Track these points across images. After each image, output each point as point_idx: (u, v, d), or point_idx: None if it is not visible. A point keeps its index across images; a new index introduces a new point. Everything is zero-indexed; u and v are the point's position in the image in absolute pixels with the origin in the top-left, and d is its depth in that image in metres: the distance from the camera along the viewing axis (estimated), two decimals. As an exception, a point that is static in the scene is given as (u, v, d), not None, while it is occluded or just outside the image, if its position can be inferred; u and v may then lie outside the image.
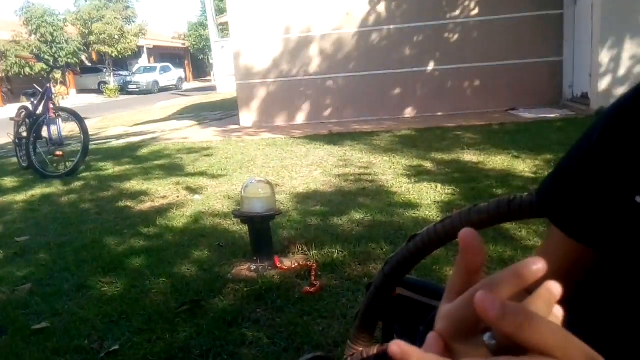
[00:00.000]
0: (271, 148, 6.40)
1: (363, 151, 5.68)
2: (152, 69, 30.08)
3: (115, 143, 8.15)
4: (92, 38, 26.52)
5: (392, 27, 8.39)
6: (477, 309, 0.27)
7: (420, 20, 8.26)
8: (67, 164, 5.63)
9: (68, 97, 23.51)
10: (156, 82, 28.85)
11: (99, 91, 27.61)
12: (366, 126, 7.63)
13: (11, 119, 6.43)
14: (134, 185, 4.87)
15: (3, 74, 24.06)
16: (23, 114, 6.12)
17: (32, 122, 5.79)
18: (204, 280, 2.58)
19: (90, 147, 5.98)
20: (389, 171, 4.62)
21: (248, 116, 9.03)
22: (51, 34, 24.40)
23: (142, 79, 28.63)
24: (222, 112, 11.80)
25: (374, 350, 0.84)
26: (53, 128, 5.66)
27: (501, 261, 2.46)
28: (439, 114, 8.28)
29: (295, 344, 1.96)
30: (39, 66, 21.46)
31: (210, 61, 30.40)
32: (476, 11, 8.16)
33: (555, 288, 0.29)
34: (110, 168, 5.85)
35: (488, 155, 4.90)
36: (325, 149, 5.99)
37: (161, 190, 4.58)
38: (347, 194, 4.00)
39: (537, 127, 6.33)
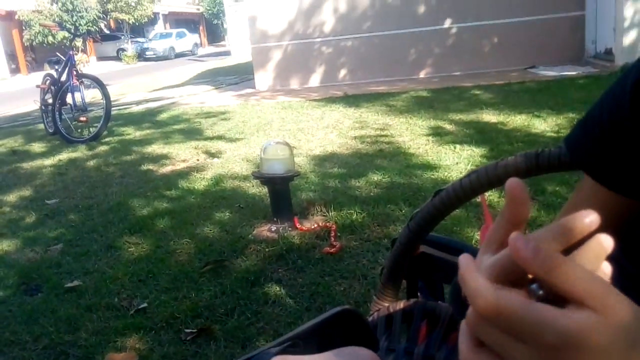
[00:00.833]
0: (287, 111, 6.40)
1: (379, 113, 5.64)
2: (168, 35, 29.98)
3: (135, 108, 8.23)
4: (110, 6, 26.50)
5: None
6: (510, 248, 0.27)
7: (437, -23, 8.01)
8: (91, 129, 5.74)
9: (89, 64, 23.64)
10: (172, 48, 28.78)
11: (117, 58, 27.68)
12: (382, 87, 7.54)
13: (37, 86, 6.56)
14: (155, 149, 4.96)
15: (27, 43, 24.26)
16: (48, 81, 6.22)
17: (57, 89, 5.87)
18: (226, 241, 2.66)
19: (112, 112, 6.06)
20: (406, 132, 4.60)
21: (263, 80, 9.01)
22: (71, 3, 24.43)
23: (159, 46, 28.59)
24: (238, 76, 11.77)
25: (400, 305, 0.88)
26: (77, 94, 5.76)
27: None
28: (456, 73, 8.13)
29: (317, 303, 2.02)
30: (61, 34, 21.55)
31: (225, 26, 30.08)
32: (494, -34, 7.86)
33: (606, 241, 0.28)
34: (132, 133, 5.95)
35: (508, 115, 4.83)
36: (340, 111, 5.98)
37: (181, 154, 4.66)
38: (364, 155, 4.01)
39: (558, 85, 6.18)
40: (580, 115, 0.53)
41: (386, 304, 0.90)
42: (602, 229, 0.28)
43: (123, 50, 27.92)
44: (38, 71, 21.61)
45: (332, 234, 2.55)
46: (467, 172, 0.55)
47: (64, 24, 21.82)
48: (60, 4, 24.38)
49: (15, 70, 23.88)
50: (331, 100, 6.85)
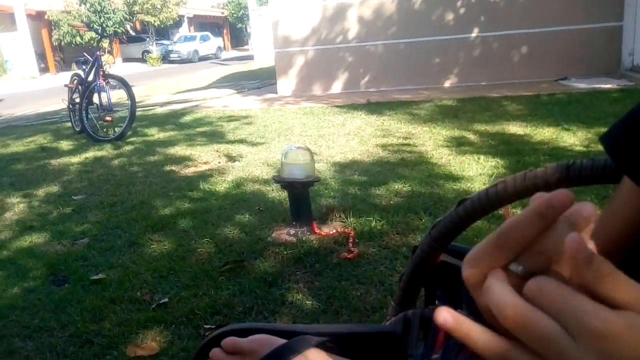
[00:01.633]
0: (308, 117, 6.45)
1: (402, 121, 5.64)
2: (192, 38, 30.39)
3: (159, 110, 8.38)
4: (136, 8, 26.97)
5: None
6: (567, 249, 0.26)
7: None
8: (116, 129, 5.87)
9: (114, 65, 24.09)
10: (196, 51, 29.16)
11: (142, 60, 28.13)
12: (405, 95, 7.52)
13: (65, 85, 6.74)
14: (178, 150, 5.06)
15: (56, 43, 24.83)
16: (76, 81, 6.39)
17: (84, 88, 6.03)
18: (245, 242, 2.72)
19: (137, 113, 6.20)
20: (429, 142, 4.59)
21: (286, 85, 9.06)
22: (99, 4, 24.90)
23: (183, 48, 29.00)
24: (260, 81, 11.89)
25: (418, 311, 0.90)
26: (103, 95, 5.91)
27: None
28: (483, 83, 8.00)
29: (333, 307, 2.05)
30: (88, 35, 22.04)
31: (248, 30, 30.41)
32: (524, -27, 7.73)
33: (586, 210, 0.28)
34: (156, 134, 6.07)
35: (535, 127, 4.73)
36: (362, 119, 6.00)
37: (203, 156, 4.74)
38: (385, 163, 4.02)
39: (591, 98, 5.98)
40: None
41: (404, 310, 0.92)
42: (628, 236, 0.29)
43: (148, 52, 28.37)
44: (66, 71, 22.08)
45: (351, 240, 2.58)
46: (494, 182, 0.56)
47: (92, 24, 22.34)
48: (88, 5, 24.88)
49: (45, 70, 24.41)
50: (353, 107, 6.88)
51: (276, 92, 9.10)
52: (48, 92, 14.52)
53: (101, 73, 5.88)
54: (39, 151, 5.66)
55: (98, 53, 6.03)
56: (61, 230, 3.11)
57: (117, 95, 6.15)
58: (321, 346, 0.56)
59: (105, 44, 16.83)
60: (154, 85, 14.35)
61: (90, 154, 5.25)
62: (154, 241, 2.83)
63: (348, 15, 8.54)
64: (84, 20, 23.52)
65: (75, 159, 5.06)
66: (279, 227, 2.88)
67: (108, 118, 5.86)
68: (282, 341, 0.58)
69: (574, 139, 4.23)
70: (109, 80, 5.95)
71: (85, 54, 6.40)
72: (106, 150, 5.34)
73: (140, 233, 2.95)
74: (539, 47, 7.84)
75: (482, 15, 8.02)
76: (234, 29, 41.22)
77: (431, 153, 4.20)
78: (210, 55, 30.15)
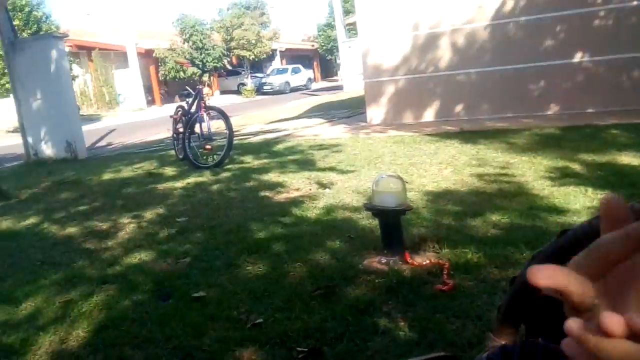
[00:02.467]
0: (399, 145, 6.41)
1: (499, 150, 5.42)
2: (284, 71, 31.56)
3: (254, 139, 8.75)
4: (233, 43, 28.64)
5: (530, 17, 7.80)
6: None
7: (563, 9, 7.55)
8: (215, 156, 6.21)
9: (213, 97, 25.62)
10: (287, 83, 30.22)
11: (238, 92, 29.59)
12: (502, 124, 7.22)
13: (170, 116, 7.29)
14: (272, 177, 5.24)
15: (162, 78, 26.89)
16: (180, 112, 6.89)
17: (187, 119, 6.47)
18: (337, 268, 2.73)
19: (233, 142, 6.52)
20: (529, 172, 4.36)
21: (376, 114, 9.09)
22: (200, 41, 26.72)
23: (275, 80, 30.18)
24: (350, 110, 12.05)
25: (518, 345, 0.86)
26: (204, 125, 6.30)
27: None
28: (589, 110, 7.46)
29: (427, 339, 1.99)
30: (190, 70, 23.73)
31: (338, 61, 31.06)
32: (634, -6, 7.19)
33: None
34: (251, 161, 6.33)
35: (652, 158, 4.34)
36: (456, 147, 5.86)
37: (295, 183, 4.87)
38: (481, 194, 3.89)
39: None
40: None
41: (502, 342, 0.89)
42: None
43: (243, 84, 29.83)
44: (170, 103, 23.76)
45: (445, 272, 2.50)
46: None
47: (194, 60, 24.05)
48: (190, 43, 26.78)
49: (151, 102, 26.35)
50: (446, 135, 6.75)
51: (366, 121, 9.16)
52: (154, 122, 15.66)
53: (203, 105, 6.27)
54: (147, 176, 6.12)
55: (200, 87, 6.45)
56: (166, 249, 3.32)
57: (216, 125, 6.53)
58: None
59: (205, 77, 17.98)
60: (248, 115, 15.03)
61: (192, 179, 5.58)
62: (249, 263, 2.93)
63: (440, 44, 8.45)
64: (187, 57, 25.38)
65: (178, 184, 5.40)
66: (370, 254, 2.87)
67: (208, 146, 6.22)
68: None
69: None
70: (210, 111, 6.33)
71: (187, 87, 6.90)
72: (206, 176, 5.65)
73: (237, 255, 3.07)
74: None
75: (585, 40, 7.59)
76: (323, 61, 42.33)
77: (532, 184, 3.99)
78: (301, 87, 31.10)
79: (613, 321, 0.26)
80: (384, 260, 2.74)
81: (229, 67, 29.52)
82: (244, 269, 2.86)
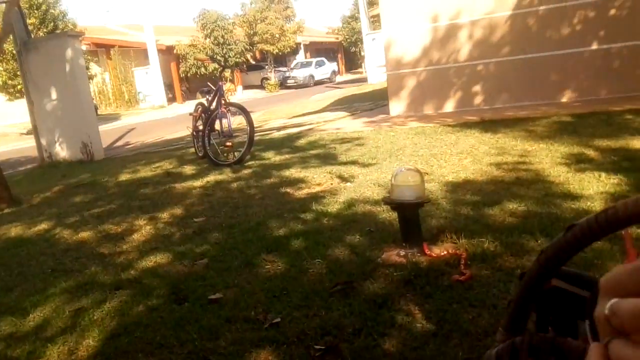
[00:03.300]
0: (420, 137, 6.36)
1: (517, 138, 5.38)
2: (308, 64, 31.51)
3: (275, 134, 8.77)
4: (256, 38, 28.66)
5: (549, 6, 7.76)
6: None
7: (580, -2, 7.53)
8: (236, 153, 6.22)
9: (235, 93, 25.72)
10: (312, 76, 30.17)
11: (261, 87, 29.69)
12: (521, 112, 7.17)
13: (190, 114, 7.31)
14: (293, 173, 5.23)
15: (183, 75, 27.07)
16: (200, 109, 6.89)
17: (207, 116, 6.46)
18: (355, 263, 2.72)
19: (255, 138, 6.53)
20: (546, 159, 4.34)
21: (397, 106, 9.08)
22: (222, 37, 26.76)
23: (299, 74, 30.15)
24: (373, 103, 11.98)
25: (527, 338, 0.85)
26: (224, 121, 6.29)
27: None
28: (604, 97, 7.47)
29: (444, 330, 1.99)
30: (212, 66, 23.84)
31: (362, 53, 30.85)
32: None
33: None
34: (272, 157, 6.34)
35: (665, 142, 4.30)
36: (476, 137, 5.80)
37: (317, 178, 4.86)
38: (499, 182, 3.85)
39: None
40: None
41: (512, 337, 0.88)
42: None
43: (266, 79, 29.90)
44: (191, 99, 23.94)
45: (462, 262, 2.49)
46: (615, 201, 0.52)
47: (215, 56, 24.13)
48: (212, 38, 26.86)
49: (172, 99, 26.45)
50: (466, 125, 6.68)
51: (388, 113, 9.13)
52: (175, 120, 15.84)
53: (223, 102, 6.28)
54: (165, 176, 6.11)
55: (220, 83, 6.46)
56: (183, 251, 3.31)
57: (237, 121, 6.54)
58: None
59: (227, 73, 18.06)
60: (271, 110, 15.08)
61: (211, 177, 5.59)
62: (268, 261, 2.93)
63: (459, 36, 8.43)
64: (208, 52, 25.47)
65: (197, 183, 5.41)
66: (389, 248, 2.86)
67: (228, 143, 6.23)
68: None
69: None
70: (230, 108, 6.34)
71: (209, 84, 6.90)
72: (226, 174, 5.67)
73: (255, 254, 3.07)
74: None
75: (602, 28, 7.54)
76: (347, 53, 42.14)
77: (548, 171, 3.97)
78: (325, 80, 31.01)
79: None
80: (402, 253, 2.73)
81: (252, 62, 29.61)
82: (263, 267, 2.86)
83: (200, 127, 6.65)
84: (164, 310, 2.49)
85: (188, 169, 6.35)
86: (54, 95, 8.69)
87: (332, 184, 4.57)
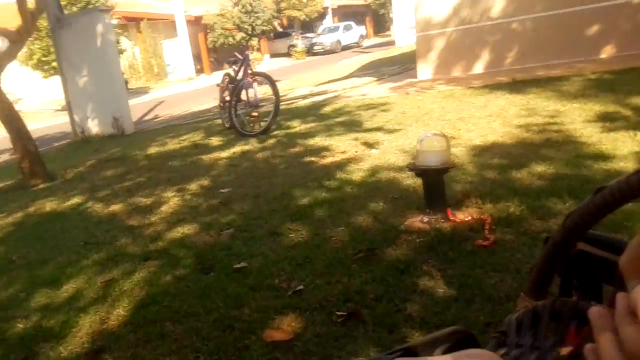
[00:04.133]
0: (448, 100, 6.22)
1: (549, 98, 5.19)
2: (335, 29, 30.95)
3: (301, 103, 8.72)
4: (284, 4, 28.21)
5: None
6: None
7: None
8: (262, 123, 6.23)
9: (262, 62, 25.58)
10: (339, 42, 29.67)
11: (288, 54, 29.41)
12: (554, 71, 6.87)
13: (217, 85, 7.31)
14: (318, 141, 5.22)
15: (211, 45, 26.95)
16: (227, 80, 6.88)
17: (234, 87, 6.42)
18: (378, 230, 2.72)
19: (280, 107, 6.51)
20: (579, 119, 4.18)
21: (426, 69, 8.87)
22: (250, 4, 26.43)
23: (326, 40, 29.69)
24: (400, 67, 11.75)
25: (549, 303, 0.83)
26: (250, 91, 6.26)
27: None
28: None
29: (466, 295, 1.98)
30: (239, 35, 23.67)
31: (390, 15, 30.08)
32: None
33: None
34: (297, 126, 6.32)
35: None
36: (506, 98, 5.63)
37: (341, 146, 4.83)
38: (528, 145, 3.75)
39: None
40: None
41: (534, 302, 0.86)
42: None
43: (293, 46, 29.58)
44: (219, 70, 23.87)
45: (487, 227, 2.46)
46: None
47: (243, 25, 23.91)
48: (240, 6, 26.57)
49: (200, 71, 26.43)
50: (496, 86, 6.49)
51: (416, 77, 8.95)
52: (203, 91, 15.91)
53: (249, 71, 6.25)
54: (193, 148, 6.19)
55: (246, 52, 6.42)
56: (209, 221, 3.37)
57: (263, 91, 6.51)
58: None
59: (254, 42, 17.94)
60: (298, 78, 14.97)
61: (238, 148, 5.63)
62: (292, 230, 2.95)
63: (491, -8, 8.06)
64: (236, 21, 25.26)
65: (224, 154, 5.46)
66: (412, 214, 2.84)
67: (255, 114, 6.24)
68: None
69: None
70: (256, 77, 6.31)
71: (236, 53, 6.85)
72: (252, 144, 5.70)
73: (280, 223, 3.10)
74: None
75: None
76: (376, 16, 41.20)
77: (580, 131, 3.82)
78: (353, 44, 30.47)
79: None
80: (426, 219, 2.71)
81: (279, 29, 29.27)
82: (287, 236, 2.89)
83: (227, 98, 6.65)
84: (191, 280, 2.55)
85: (215, 141, 6.40)
86: (85, 71, 8.81)
87: (356, 151, 4.54)
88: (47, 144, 9.60)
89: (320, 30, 32.10)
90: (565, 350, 0.74)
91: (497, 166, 3.38)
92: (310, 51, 29.08)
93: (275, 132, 6.12)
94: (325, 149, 4.84)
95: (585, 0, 7.45)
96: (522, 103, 5.23)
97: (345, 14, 37.27)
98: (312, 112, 7.29)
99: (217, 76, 12.35)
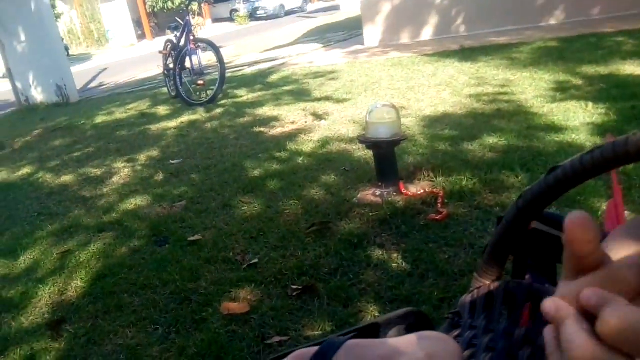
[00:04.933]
0: (397, 68, 6.23)
1: (499, 67, 5.24)
2: (278, -7, 30.21)
3: (247, 70, 8.53)
4: (224, -36, 27.12)
5: None
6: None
7: None
8: (208, 92, 6.06)
9: (204, 26, 24.70)
10: (282, 6, 29.02)
11: (231, 19, 28.56)
12: (503, 38, 6.92)
13: (160, 52, 7.02)
14: (266, 111, 5.14)
15: (150, 10, 25.86)
16: (169, 47, 6.61)
17: (177, 54, 6.23)
18: (331, 204, 2.73)
19: (227, 75, 6.34)
20: (530, 89, 4.23)
21: (373, 35, 8.77)
22: (187, -34, 25.32)
23: (269, 4, 28.93)
24: (347, 32, 11.65)
25: (503, 284, 0.84)
26: (194, 58, 6.08)
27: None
28: (596, 17, 7.06)
29: (419, 270, 2.01)
30: (178, 0, 22.72)
31: (335, -23, 29.62)
32: None
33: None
34: (245, 95, 6.19)
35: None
36: (455, 67, 5.67)
37: (290, 116, 4.78)
38: (479, 116, 3.79)
39: None
40: None
41: (487, 282, 0.87)
42: None
43: (236, 11, 28.73)
44: (161, 36, 23.01)
45: (439, 200, 2.50)
46: (591, 147, 0.49)
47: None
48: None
49: (142, 36, 25.56)
50: (445, 54, 6.52)
51: (363, 44, 8.87)
52: (146, 58, 15.27)
53: (191, 37, 6.03)
54: (140, 117, 6.01)
55: (187, 18, 6.18)
56: (161, 193, 3.32)
57: (207, 58, 6.31)
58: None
59: (194, 6, 17.24)
60: (242, 44, 14.58)
61: (185, 118, 5.48)
62: (244, 203, 2.93)
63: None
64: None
65: (172, 124, 5.32)
66: (364, 187, 2.86)
67: (200, 82, 6.05)
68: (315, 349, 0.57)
69: None
70: (199, 44, 6.10)
71: (177, 18, 6.58)
72: (199, 114, 5.55)
73: (232, 195, 3.07)
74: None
75: None
76: (320, -21, 40.52)
77: (531, 102, 3.88)
78: (297, 9, 29.89)
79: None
80: (378, 192, 2.73)
81: (220, -8, 28.27)
82: (240, 209, 2.86)
83: (171, 66, 6.43)
84: (146, 252, 2.54)
85: (162, 110, 6.21)
86: (23, 37, 8.48)
87: (306, 122, 4.51)
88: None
89: (261, -7, 31.26)
90: (519, 331, 0.77)
91: (448, 137, 3.43)
92: (253, 16, 28.32)
93: (222, 102, 5.97)
94: (275, 119, 4.78)
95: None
96: (471, 72, 5.29)
97: (289, -24, 36.40)
98: (259, 80, 7.15)
99: (160, 42, 11.84)
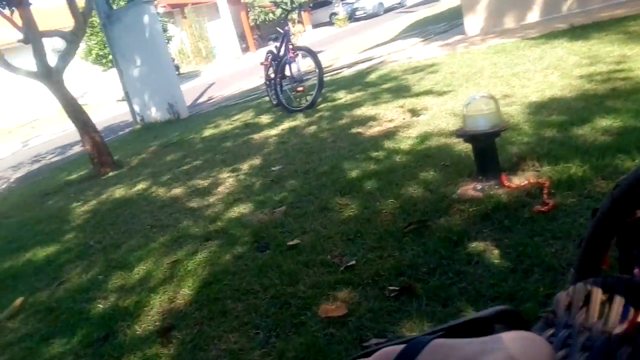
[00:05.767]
0: (500, 55, 5.90)
1: (614, 43, 4.77)
2: (377, -9, 30.06)
3: (346, 72, 8.57)
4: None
5: None
6: None
7: None
8: (307, 97, 6.19)
9: (304, 33, 25.34)
10: (381, 4, 28.81)
11: (330, 23, 28.96)
12: (620, 10, 6.28)
13: (261, 63, 7.34)
14: (364, 111, 5.12)
15: (252, 23, 27.12)
16: (270, 57, 6.88)
17: (277, 63, 6.46)
18: (429, 201, 2.64)
19: (325, 79, 6.43)
20: (650, 64, 3.81)
21: (474, 23, 8.41)
22: (284, -21, 26.17)
23: (368, 3, 28.88)
24: (447, 23, 11.28)
25: (601, 280, 0.77)
26: (293, 66, 6.25)
27: None
28: None
29: (523, 265, 1.89)
30: (278, 11, 23.52)
31: (434, -31, 28.83)
32: None
33: None
34: (343, 97, 6.23)
35: None
36: (564, 47, 5.25)
37: (388, 114, 4.72)
38: (590, 97, 3.48)
39: None
40: None
41: (585, 278, 0.80)
42: None
43: (335, 14, 29.06)
44: (264, 46, 24.00)
45: (545, 191, 2.33)
46: None
47: (279, 2, 23.72)
48: (276, -20, 26.31)
49: (246, 49, 26.84)
50: (553, 35, 6.06)
51: (463, 33, 8.54)
52: (250, 69, 15.98)
53: (290, 46, 6.21)
54: (244, 128, 6.29)
55: (286, 28, 6.38)
56: (262, 200, 3.43)
57: (307, 64, 6.46)
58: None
59: (294, 15, 17.74)
60: (341, 46, 14.72)
61: (286, 125, 5.64)
62: (342, 205, 2.93)
63: None
64: (272, -3, 25.06)
65: (273, 132, 5.50)
66: (464, 182, 2.74)
67: (299, 88, 6.20)
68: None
69: None
70: (297, 52, 6.27)
71: (278, 28, 6.81)
72: (299, 120, 5.69)
73: (329, 198, 3.09)
74: None
75: None
76: (418, -27, 39.71)
77: (651, 78, 3.49)
78: (396, 5, 29.48)
79: None
80: (479, 186, 2.60)
81: (319, -1, 28.84)
82: (337, 211, 2.87)
83: (272, 76, 6.67)
84: (249, 258, 2.63)
85: (264, 119, 6.45)
86: (138, 61, 9.23)
87: (404, 118, 4.42)
88: (113, 132, 10.26)
89: (360, -6, 31.28)
90: (619, 329, 0.68)
91: (556, 123, 3.18)
92: (352, 17, 28.45)
93: (321, 105, 6.07)
94: (372, 118, 4.75)
95: None
96: (582, 51, 4.86)
97: (386, -26, 36.05)
98: (357, 81, 7.16)
99: (262, 53, 12.39)
